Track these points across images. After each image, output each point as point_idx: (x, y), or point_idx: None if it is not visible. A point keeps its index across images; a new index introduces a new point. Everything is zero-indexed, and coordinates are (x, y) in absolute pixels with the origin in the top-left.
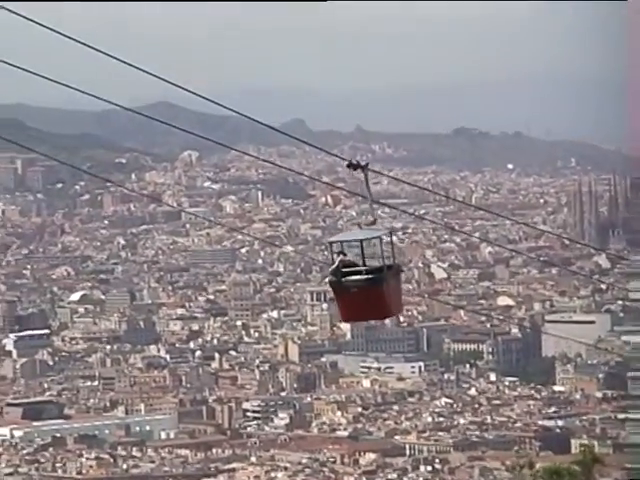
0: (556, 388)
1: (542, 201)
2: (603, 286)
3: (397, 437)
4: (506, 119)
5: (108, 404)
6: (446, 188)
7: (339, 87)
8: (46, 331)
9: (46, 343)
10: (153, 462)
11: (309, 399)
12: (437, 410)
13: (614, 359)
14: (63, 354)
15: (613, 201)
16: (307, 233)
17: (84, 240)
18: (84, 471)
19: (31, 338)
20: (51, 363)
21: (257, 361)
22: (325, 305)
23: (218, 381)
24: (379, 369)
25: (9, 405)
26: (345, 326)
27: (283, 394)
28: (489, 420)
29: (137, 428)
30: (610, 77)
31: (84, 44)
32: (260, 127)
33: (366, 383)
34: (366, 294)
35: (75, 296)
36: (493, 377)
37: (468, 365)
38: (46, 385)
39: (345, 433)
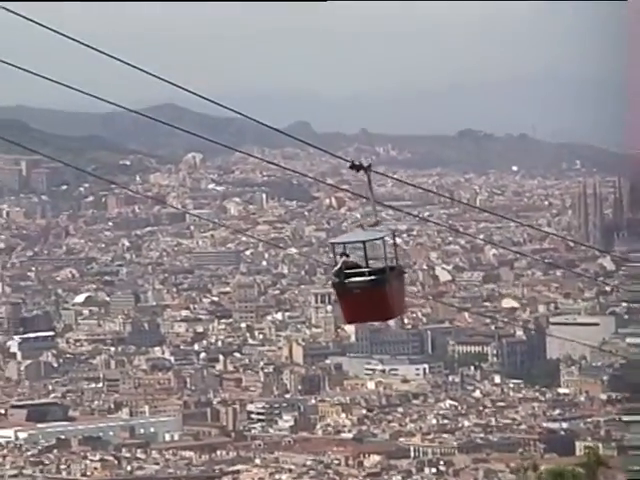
0: (560, 390)
1: (547, 203)
2: (608, 288)
3: (402, 439)
4: (511, 121)
5: (112, 406)
6: (451, 190)
7: (340, 88)
8: (51, 333)
9: (51, 345)
10: (157, 464)
11: (313, 401)
12: (441, 412)
13: (618, 361)
14: (68, 356)
15: (618, 203)
16: (311, 235)
17: (89, 242)
18: (88, 473)
19: (36, 340)
20: (56, 365)
21: (261, 363)
22: (329, 307)
23: (222, 383)
24: (384, 371)
25: (14, 407)
26: (349, 328)
27: (287, 396)
28: (493, 422)
29: (141, 430)
30: (610, 77)
31: (88, 46)
32: (264, 129)
33: (371, 385)
34: (369, 295)
35: (80, 298)
36: (497, 379)
37: (472, 367)
38: (50, 387)
39: (350, 435)
